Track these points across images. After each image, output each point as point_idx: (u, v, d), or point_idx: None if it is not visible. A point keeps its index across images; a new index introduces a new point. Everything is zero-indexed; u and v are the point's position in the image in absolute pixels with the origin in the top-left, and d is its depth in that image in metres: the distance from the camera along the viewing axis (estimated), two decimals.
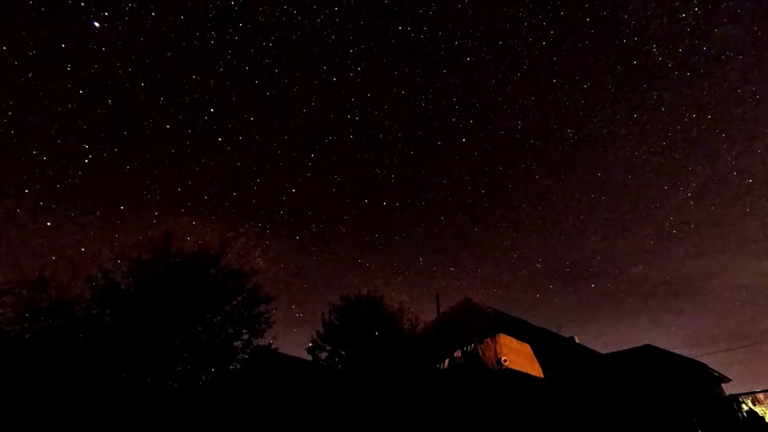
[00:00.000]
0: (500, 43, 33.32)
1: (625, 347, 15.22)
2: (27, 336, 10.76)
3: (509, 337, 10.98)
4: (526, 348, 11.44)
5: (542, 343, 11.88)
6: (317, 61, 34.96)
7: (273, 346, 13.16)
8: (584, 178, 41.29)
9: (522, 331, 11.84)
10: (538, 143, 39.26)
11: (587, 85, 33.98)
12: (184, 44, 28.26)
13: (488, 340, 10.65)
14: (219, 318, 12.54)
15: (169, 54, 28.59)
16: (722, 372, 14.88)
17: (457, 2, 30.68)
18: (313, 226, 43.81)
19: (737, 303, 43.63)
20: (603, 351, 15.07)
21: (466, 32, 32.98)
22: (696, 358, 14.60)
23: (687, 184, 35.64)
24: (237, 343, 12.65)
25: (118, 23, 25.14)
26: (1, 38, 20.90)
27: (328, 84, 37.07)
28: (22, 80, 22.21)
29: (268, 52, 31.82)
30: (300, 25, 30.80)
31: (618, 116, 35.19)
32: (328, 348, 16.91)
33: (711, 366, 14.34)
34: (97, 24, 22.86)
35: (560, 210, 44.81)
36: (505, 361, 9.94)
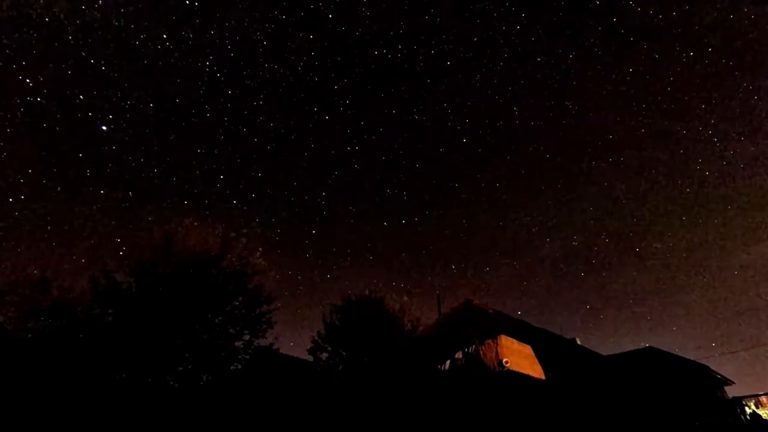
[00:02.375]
0: (475, 39, 33.40)
1: (627, 349, 15.18)
2: (29, 336, 10.80)
3: (510, 339, 10.94)
4: (528, 349, 11.40)
5: (544, 344, 11.84)
6: (307, 105, 36.58)
7: (274, 347, 13.17)
8: (595, 145, 40.22)
9: (523, 332, 11.80)
10: (539, 123, 38.99)
11: (573, 55, 33.30)
12: (183, 124, 30.83)
13: (489, 341, 10.62)
14: (220, 318, 12.55)
15: (172, 137, 31.13)
16: (725, 374, 14.79)
17: (424, 14, 31.10)
18: (316, 227, 44.12)
19: (741, 305, 43.39)
20: (605, 353, 15.02)
21: (439, 39, 33.64)
22: (698, 361, 14.52)
23: (706, 123, 33.90)
24: (238, 344, 12.66)
25: (122, 121, 27.55)
26: (28, 161, 23.10)
27: (323, 124, 38.61)
28: (54, 195, 24.63)
29: (260, 109, 33.64)
30: (284, 77, 32.67)
31: (613, 75, 34.38)
32: (329, 348, 16.89)
33: (713, 368, 14.26)
34: (104, 128, 25.24)
35: (564, 205, 44.50)
36: (506, 362, 9.91)
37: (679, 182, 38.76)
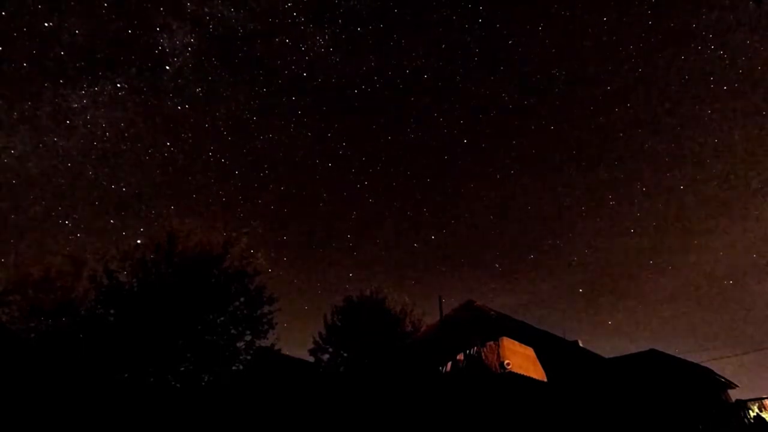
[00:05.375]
0: (443, 46, 33.83)
1: (629, 352, 15.10)
2: (32, 335, 10.85)
3: (512, 341, 10.89)
4: (530, 351, 11.34)
5: (546, 346, 11.79)
6: (308, 160, 38.67)
7: (275, 347, 13.17)
8: (595, 103, 38.28)
9: (525, 334, 11.77)
10: (532, 101, 37.99)
11: (542, 25, 32.27)
12: (203, 214, 31.29)
13: (491, 343, 10.57)
14: (222, 319, 12.57)
15: (193, 216, 31.90)
16: (728, 378, 14.69)
17: (388, 41, 32.22)
18: (317, 228, 44.33)
19: (744, 307, 43.14)
20: (607, 355, 14.95)
21: (409, 58, 34.47)
22: (702, 364, 14.42)
23: (705, 42, 29.96)
24: (240, 344, 12.68)
25: (150, 236, 29.04)
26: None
27: (328, 173, 41.32)
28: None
29: (269, 178, 36.80)
30: (279, 142, 35.30)
31: (589, 29, 33.10)
32: (330, 349, 16.91)
33: (717, 371, 14.16)
34: (139, 241, 26.44)
35: (564, 201, 44.07)
36: (508, 364, 9.87)
37: (653, 238, 37.41)
